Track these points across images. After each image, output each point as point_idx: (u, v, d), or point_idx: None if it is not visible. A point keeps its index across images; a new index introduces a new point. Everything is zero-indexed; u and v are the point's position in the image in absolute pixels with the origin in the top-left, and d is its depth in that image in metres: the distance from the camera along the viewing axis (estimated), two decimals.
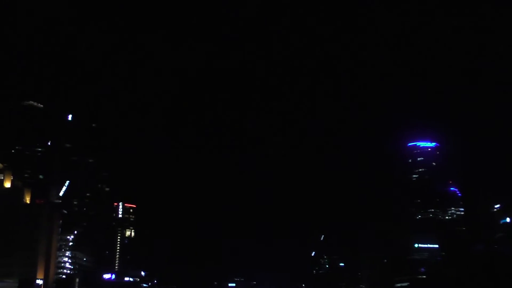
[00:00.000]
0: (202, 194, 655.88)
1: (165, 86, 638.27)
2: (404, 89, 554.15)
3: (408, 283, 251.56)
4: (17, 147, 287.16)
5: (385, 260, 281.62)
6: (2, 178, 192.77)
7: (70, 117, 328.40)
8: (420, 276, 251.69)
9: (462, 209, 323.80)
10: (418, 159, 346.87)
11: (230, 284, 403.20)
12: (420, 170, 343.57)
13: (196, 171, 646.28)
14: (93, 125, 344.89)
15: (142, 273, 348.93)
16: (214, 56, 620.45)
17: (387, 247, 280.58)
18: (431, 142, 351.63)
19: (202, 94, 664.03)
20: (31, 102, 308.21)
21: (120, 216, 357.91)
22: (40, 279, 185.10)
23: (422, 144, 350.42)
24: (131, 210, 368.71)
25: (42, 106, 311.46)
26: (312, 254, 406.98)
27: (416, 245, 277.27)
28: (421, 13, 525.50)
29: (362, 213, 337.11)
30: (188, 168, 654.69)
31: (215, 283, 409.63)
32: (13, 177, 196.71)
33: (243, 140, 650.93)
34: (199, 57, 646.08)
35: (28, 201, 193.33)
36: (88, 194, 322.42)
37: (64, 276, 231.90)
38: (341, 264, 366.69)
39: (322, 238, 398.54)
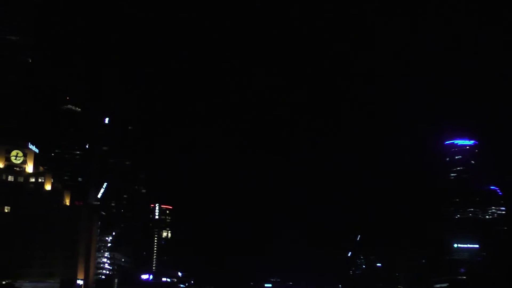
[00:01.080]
0: (237, 194, 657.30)
1: (200, 87, 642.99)
2: (441, 86, 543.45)
3: (447, 284, 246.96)
4: (56, 151, 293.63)
5: (423, 261, 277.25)
6: (43, 180, 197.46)
7: (107, 120, 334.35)
8: (460, 277, 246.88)
9: (503, 208, 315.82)
10: (456, 157, 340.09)
11: (266, 285, 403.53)
12: (459, 168, 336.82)
13: (231, 171, 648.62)
14: (129, 127, 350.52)
15: (179, 273, 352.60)
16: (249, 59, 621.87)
17: (425, 247, 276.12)
18: (470, 140, 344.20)
19: (239, 94, 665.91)
20: (70, 106, 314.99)
21: (156, 217, 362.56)
22: (81, 280, 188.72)
23: (460, 142, 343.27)
24: (167, 211, 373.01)
25: (80, 110, 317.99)
26: (349, 255, 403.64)
27: (455, 245, 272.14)
28: (457, 7, 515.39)
29: (399, 213, 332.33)
30: (223, 168, 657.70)
31: (251, 283, 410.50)
32: (53, 180, 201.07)
33: (277, 141, 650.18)
34: (235, 58, 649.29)
35: (67, 203, 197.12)
36: (125, 196, 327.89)
37: (103, 277, 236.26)
38: (378, 264, 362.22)
39: (358, 238, 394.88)
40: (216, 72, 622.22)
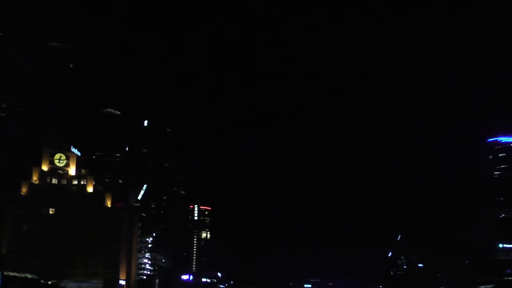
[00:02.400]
0: (275, 195, 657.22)
1: (236, 88, 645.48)
2: (483, 82, 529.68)
3: (493, 286, 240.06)
4: (98, 154, 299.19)
5: (467, 261, 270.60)
6: (85, 183, 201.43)
7: (146, 123, 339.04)
8: (506, 278, 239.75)
9: None
10: (500, 155, 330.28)
11: (305, 285, 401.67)
12: (503, 166, 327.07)
13: (270, 172, 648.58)
14: (168, 129, 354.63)
15: (219, 274, 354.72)
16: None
17: (469, 247, 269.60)
18: None
19: (274, 95, 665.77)
20: (110, 109, 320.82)
21: (196, 218, 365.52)
22: (123, 280, 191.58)
23: (504, 139, 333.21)
24: (206, 212, 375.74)
25: (119, 113, 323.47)
26: (389, 255, 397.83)
27: (500, 246, 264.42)
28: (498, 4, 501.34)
29: (441, 212, 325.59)
30: (262, 169, 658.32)
31: (291, 284, 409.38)
32: (94, 182, 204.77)
33: (316, 141, 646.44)
34: (268, 58, 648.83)
35: (109, 205, 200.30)
36: (164, 197, 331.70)
37: (144, 277, 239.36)
38: (420, 265, 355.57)
39: (398, 238, 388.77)
40: (252, 75, 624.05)
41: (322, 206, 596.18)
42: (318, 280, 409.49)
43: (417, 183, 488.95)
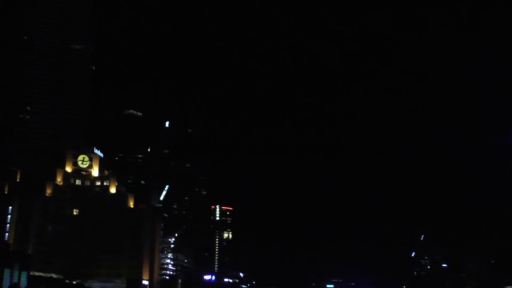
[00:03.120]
0: (297, 195, 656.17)
1: (259, 87, 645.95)
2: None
3: None
4: (120, 155, 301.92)
5: (492, 261, 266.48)
6: (108, 184, 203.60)
7: (167, 124, 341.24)
8: None
9: None
10: None
11: (328, 286, 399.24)
12: None
13: (293, 172, 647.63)
14: (189, 130, 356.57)
15: (241, 274, 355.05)
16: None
17: (494, 247, 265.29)
18: None
19: (297, 94, 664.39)
20: (131, 111, 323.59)
21: (217, 218, 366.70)
22: (146, 280, 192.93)
23: None
24: (228, 213, 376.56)
25: (141, 114, 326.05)
26: (412, 255, 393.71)
27: None
28: None
29: (467, 212, 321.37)
30: (284, 169, 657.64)
31: (313, 284, 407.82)
32: (117, 183, 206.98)
33: (342, 140, 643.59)
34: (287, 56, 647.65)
35: (131, 206, 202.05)
36: (186, 198, 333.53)
37: (167, 277, 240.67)
38: (444, 265, 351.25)
39: (422, 238, 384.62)
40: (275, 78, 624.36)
41: (344, 205, 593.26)
42: (340, 281, 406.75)
43: (441, 182, 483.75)
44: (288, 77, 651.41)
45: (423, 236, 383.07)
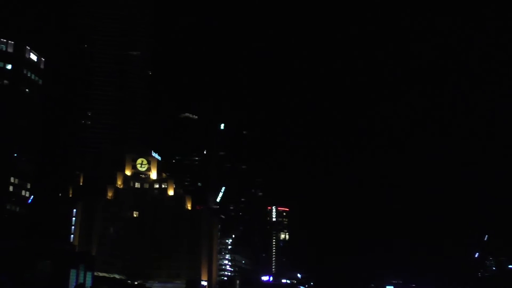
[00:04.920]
0: (356, 194, 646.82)
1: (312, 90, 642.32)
2: None
3: None
4: (177, 158, 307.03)
5: None
6: (166, 186, 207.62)
7: (222, 126, 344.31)
8: None
9: None
10: None
11: (387, 287, 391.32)
12: None
13: (349, 172, 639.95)
14: (244, 132, 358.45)
15: (298, 275, 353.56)
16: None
17: None
18: None
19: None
20: (187, 114, 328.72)
21: (274, 219, 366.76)
22: (204, 281, 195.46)
23: None
24: (284, 214, 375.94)
25: (196, 117, 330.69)
26: (476, 256, 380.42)
27: None
28: None
29: None
30: (341, 169, 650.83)
31: (372, 285, 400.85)
32: (174, 186, 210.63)
33: (404, 139, 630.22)
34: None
35: (189, 208, 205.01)
36: (242, 199, 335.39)
37: (225, 278, 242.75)
38: (510, 266, 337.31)
39: (485, 238, 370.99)
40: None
41: (407, 206, 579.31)
42: (400, 282, 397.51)
43: (506, 181, 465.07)
44: (343, 77, 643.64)
45: (487, 236, 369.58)
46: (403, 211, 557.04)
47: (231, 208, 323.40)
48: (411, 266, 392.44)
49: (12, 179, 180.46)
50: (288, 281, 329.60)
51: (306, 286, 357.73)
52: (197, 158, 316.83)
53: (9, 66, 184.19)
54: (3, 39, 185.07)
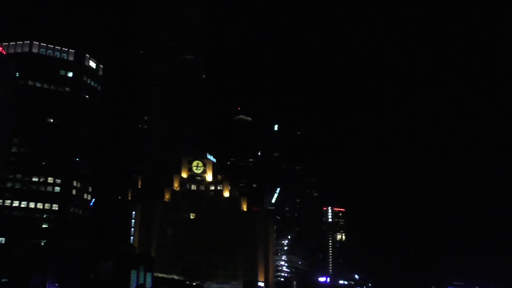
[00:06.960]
0: (412, 194, 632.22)
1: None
2: None
3: None
4: (232, 159, 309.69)
5: None
6: (221, 188, 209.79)
7: (276, 127, 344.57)
8: None
9: None
10: None
11: None
12: None
13: (401, 172, 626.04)
14: (298, 133, 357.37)
15: (356, 276, 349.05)
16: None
17: None
18: None
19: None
20: (241, 116, 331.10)
21: (330, 220, 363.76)
22: (261, 282, 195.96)
23: None
24: (340, 214, 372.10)
25: (250, 119, 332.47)
26: None
27: None
28: None
29: None
30: (393, 170, 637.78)
31: (432, 286, 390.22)
32: (230, 187, 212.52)
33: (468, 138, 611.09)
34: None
35: (245, 209, 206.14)
36: (298, 200, 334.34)
37: (282, 279, 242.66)
38: None
39: None
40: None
41: (469, 207, 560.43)
42: (462, 283, 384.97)
43: None
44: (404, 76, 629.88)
45: None
46: (467, 213, 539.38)
47: (287, 209, 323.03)
48: (475, 269, 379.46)
49: (74, 183, 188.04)
50: (346, 282, 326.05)
51: (364, 287, 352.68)
52: (251, 160, 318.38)
53: (70, 74, 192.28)
54: (65, 48, 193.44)
